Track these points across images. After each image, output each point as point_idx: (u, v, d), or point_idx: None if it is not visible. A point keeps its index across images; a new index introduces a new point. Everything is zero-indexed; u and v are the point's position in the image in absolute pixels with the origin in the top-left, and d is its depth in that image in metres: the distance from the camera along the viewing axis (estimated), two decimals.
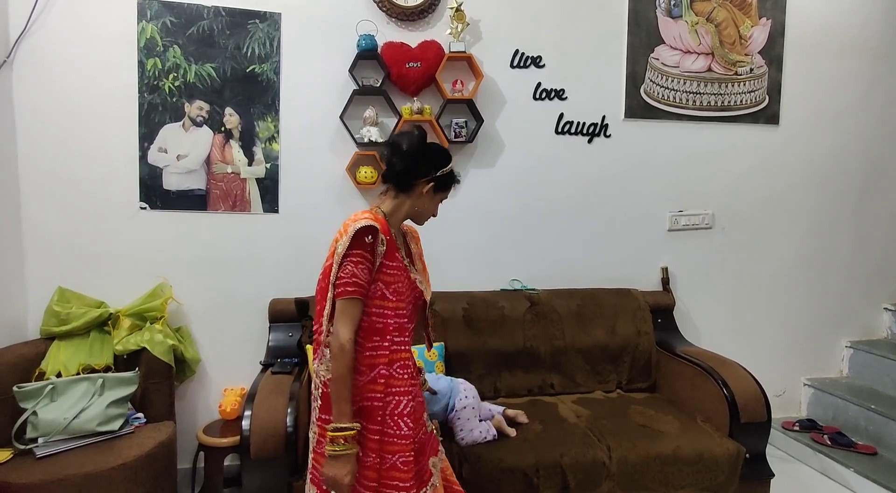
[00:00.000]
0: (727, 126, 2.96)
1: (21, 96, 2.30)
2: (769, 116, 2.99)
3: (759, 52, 2.94)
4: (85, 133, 2.37)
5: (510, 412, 2.14)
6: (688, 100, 2.90)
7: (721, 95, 2.93)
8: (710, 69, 2.91)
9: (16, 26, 2.26)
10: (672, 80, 2.87)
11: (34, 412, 1.94)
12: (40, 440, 1.92)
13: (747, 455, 2.07)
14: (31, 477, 1.77)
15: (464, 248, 2.73)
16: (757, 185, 3.02)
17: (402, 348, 1.42)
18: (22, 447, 1.91)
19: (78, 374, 2.12)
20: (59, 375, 2.10)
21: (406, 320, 1.43)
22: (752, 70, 2.94)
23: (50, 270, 2.36)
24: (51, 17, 2.30)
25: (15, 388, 1.95)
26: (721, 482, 2.02)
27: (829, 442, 2.69)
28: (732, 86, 2.94)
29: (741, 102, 2.95)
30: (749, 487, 2.10)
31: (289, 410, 1.85)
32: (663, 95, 2.87)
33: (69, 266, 2.38)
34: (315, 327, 1.44)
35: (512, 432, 2.04)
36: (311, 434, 1.46)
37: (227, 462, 2.30)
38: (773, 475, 2.15)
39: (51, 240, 2.37)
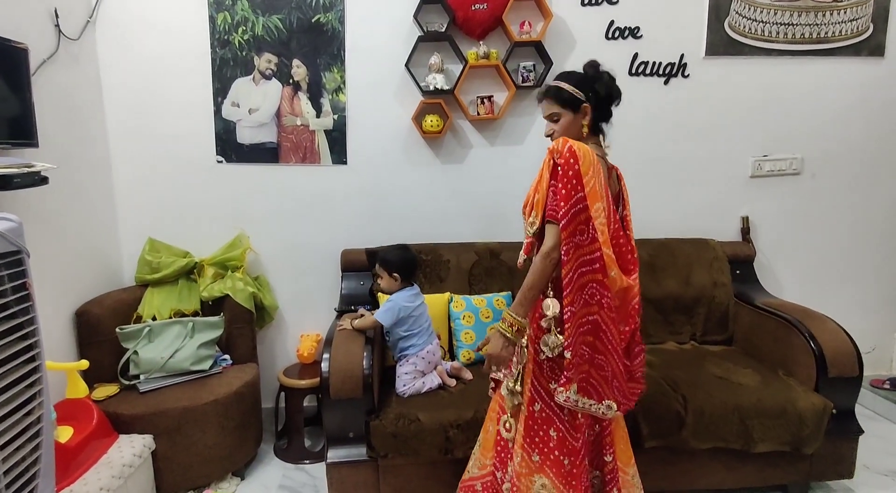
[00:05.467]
0: (823, 60, 2.69)
1: (105, 56, 2.40)
2: (873, 47, 2.69)
3: None
4: (164, 90, 2.46)
5: (456, 365, 2.18)
6: (778, 32, 2.64)
7: (817, 25, 2.65)
8: None
9: None
10: (761, 12, 2.62)
11: (135, 352, 2.11)
12: (142, 377, 2.09)
13: (834, 411, 1.97)
14: (136, 409, 1.95)
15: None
16: (855, 125, 2.75)
17: None
18: (126, 382, 2.09)
19: (170, 318, 2.28)
20: (153, 318, 2.27)
21: None
22: None
23: (140, 222, 2.51)
24: None
25: (118, 329, 2.13)
26: (805, 436, 1.94)
27: None
28: (831, 14, 2.64)
29: (840, 32, 2.66)
30: (835, 444, 2.01)
31: (365, 354, 1.91)
32: (750, 29, 2.63)
33: (157, 218, 2.53)
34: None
35: (452, 382, 2.09)
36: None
37: (305, 403, 2.43)
38: (863, 432, 2.04)
39: (139, 194, 2.52)
